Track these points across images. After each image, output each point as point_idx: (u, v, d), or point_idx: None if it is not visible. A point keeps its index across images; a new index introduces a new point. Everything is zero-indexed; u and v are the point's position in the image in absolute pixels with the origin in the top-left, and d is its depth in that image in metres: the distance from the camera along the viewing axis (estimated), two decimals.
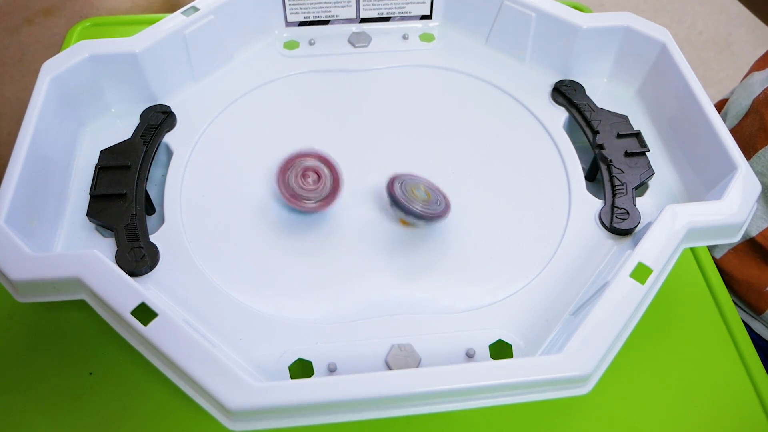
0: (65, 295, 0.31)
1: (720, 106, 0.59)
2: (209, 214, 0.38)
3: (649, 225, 0.34)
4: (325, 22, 0.48)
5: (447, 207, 0.36)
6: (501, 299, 0.35)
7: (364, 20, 0.48)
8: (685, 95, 0.39)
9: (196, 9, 0.42)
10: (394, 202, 0.35)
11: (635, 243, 0.33)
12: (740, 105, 0.54)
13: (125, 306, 0.29)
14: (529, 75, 0.46)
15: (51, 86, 0.37)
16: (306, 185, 0.36)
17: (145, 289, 0.31)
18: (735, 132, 0.53)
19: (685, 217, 0.33)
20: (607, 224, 0.37)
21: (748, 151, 0.50)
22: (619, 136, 0.40)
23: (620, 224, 0.37)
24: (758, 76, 0.54)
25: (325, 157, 0.37)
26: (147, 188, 0.37)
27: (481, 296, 0.35)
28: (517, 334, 0.33)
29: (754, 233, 0.49)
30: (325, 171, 0.37)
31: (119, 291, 0.29)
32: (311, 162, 0.37)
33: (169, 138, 0.41)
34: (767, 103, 0.50)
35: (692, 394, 0.36)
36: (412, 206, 0.35)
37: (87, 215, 0.36)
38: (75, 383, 0.35)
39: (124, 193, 0.36)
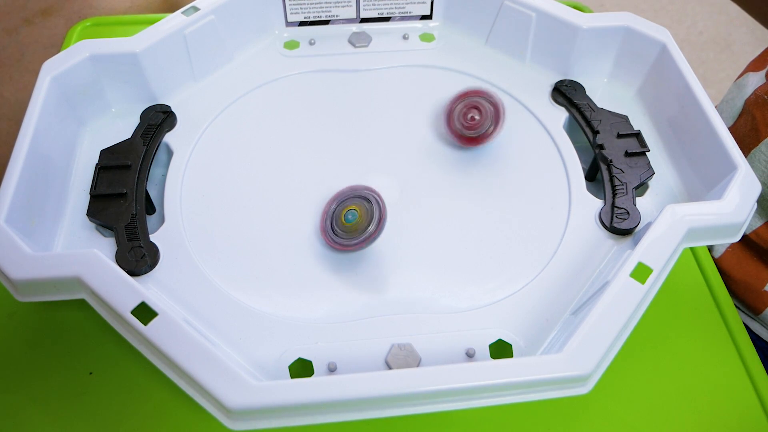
0: (65, 295, 0.31)
1: None
2: (209, 214, 0.38)
3: (649, 225, 0.34)
4: (326, 22, 0.48)
5: (371, 235, 0.34)
6: (501, 299, 0.35)
7: (364, 20, 0.48)
8: (685, 95, 0.39)
9: (196, 9, 0.42)
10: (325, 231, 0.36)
11: (635, 243, 0.33)
12: (735, 106, 0.54)
13: (125, 305, 0.29)
14: (529, 75, 0.46)
15: (51, 86, 0.37)
16: None
17: (145, 288, 0.31)
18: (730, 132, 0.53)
19: (685, 217, 0.33)
20: (607, 224, 0.37)
21: (742, 151, 0.50)
22: (619, 136, 0.40)
23: (620, 224, 0.37)
24: (754, 77, 0.53)
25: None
26: (147, 188, 0.37)
27: (481, 296, 0.35)
28: (517, 333, 0.33)
29: (747, 231, 0.49)
30: None
31: (119, 290, 0.29)
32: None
33: (169, 138, 0.41)
34: (758, 103, 0.50)
35: (692, 394, 0.36)
36: (329, 237, 0.36)
37: (87, 215, 0.36)
38: (75, 383, 0.35)
39: (124, 193, 0.36)
